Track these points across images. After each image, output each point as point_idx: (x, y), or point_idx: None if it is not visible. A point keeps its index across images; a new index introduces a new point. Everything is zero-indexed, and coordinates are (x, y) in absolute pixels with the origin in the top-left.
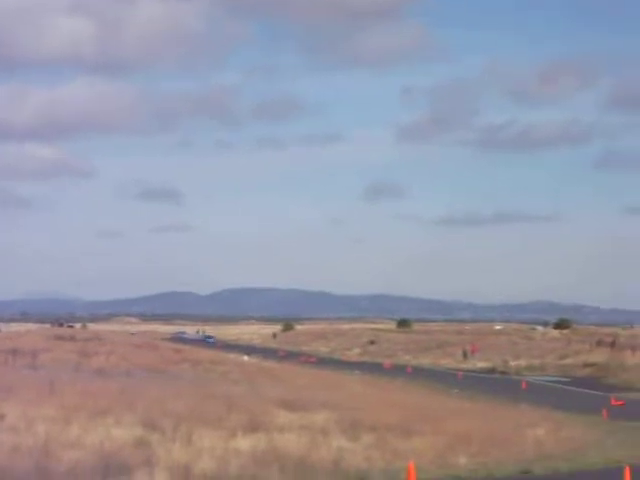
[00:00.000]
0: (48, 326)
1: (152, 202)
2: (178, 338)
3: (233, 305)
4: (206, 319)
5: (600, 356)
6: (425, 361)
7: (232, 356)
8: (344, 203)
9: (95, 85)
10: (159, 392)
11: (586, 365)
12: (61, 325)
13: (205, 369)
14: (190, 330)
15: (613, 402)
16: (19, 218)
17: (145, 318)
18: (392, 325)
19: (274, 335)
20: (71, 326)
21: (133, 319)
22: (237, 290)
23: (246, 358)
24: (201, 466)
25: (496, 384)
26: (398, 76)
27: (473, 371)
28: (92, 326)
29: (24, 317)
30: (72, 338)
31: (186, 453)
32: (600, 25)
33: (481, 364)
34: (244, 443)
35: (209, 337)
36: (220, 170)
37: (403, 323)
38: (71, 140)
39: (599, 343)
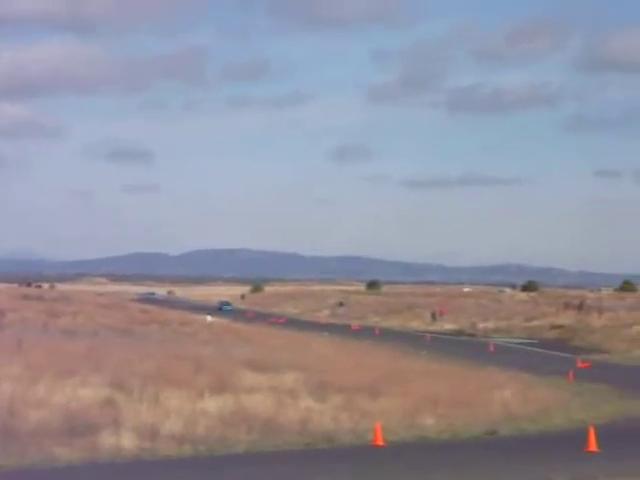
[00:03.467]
0: (16, 286)
1: (122, 162)
2: (147, 299)
3: (203, 266)
4: (176, 280)
5: (567, 318)
6: (394, 323)
7: (201, 317)
8: (314, 164)
9: (65, 45)
10: (126, 352)
11: (553, 327)
12: (29, 285)
13: (173, 330)
14: (160, 291)
15: (579, 364)
16: None
17: (114, 279)
18: (361, 287)
19: (243, 296)
20: (39, 286)
21: (102, 279)
22: (207, 251)
23: (209, 318)
24: (168, 426)
25: (464, 346)
26: (368, 38)
27: (441, 333)
28: (60, 286)
29: None
30: (40, 298)
31: (153, 413)
32: None
33: (449, 326)
34: (212, 404)
35: (226, 304)
36: (190, 131)
37: (372, 285)
38: (41, 99)
39: (566, 306)
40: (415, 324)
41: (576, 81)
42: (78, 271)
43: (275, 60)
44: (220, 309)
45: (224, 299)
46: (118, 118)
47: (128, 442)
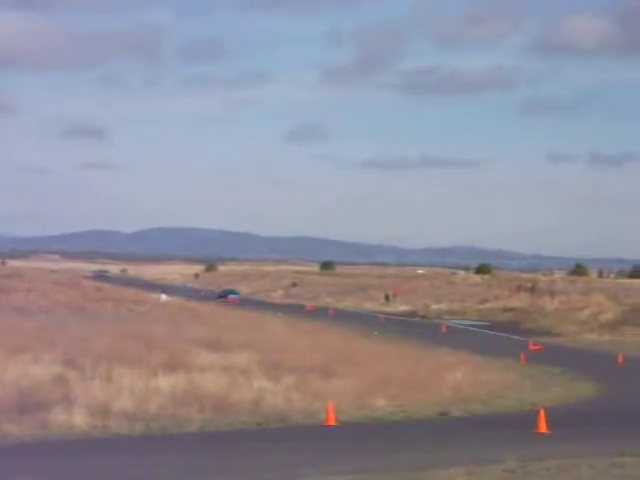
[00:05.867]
0: None
1: (77, 139)
2: (100, 276)
3: (157, 244)
4: (129, 258)
5: (519, 301)
6: (348, 304)
7: (155, 296)
8: (270, 144)
9: (20, 20)
10: (79, 330)
11: (506, 310)
12: None
13: (127, 308)
14: (113, 269)
15: (531, 346)
16: None
17: (67, 256)
18: (315, 267)
19: (196, 275)
20: None
21: (55, 256)
22: (161, 229)
23: (164, 297)
24: (120, 404)
25: (417, 327)
26: (325, 18)
27: (395, 314)
28: (12, 262)
29: None
30: None
31: (105, 391)
32: None
33: (403, 307)
34: (164, 382)
35: (232, 292)
36: (147, 109)
37: (326, 266)
38: None
39: (519, 288)
40: (369, 305)
41: (532, 64)
42: (31, 247)
43: (232, 39)
44: (223, 297)
45: (228, 288)
46: (73, 95)
47: (80, 419)
